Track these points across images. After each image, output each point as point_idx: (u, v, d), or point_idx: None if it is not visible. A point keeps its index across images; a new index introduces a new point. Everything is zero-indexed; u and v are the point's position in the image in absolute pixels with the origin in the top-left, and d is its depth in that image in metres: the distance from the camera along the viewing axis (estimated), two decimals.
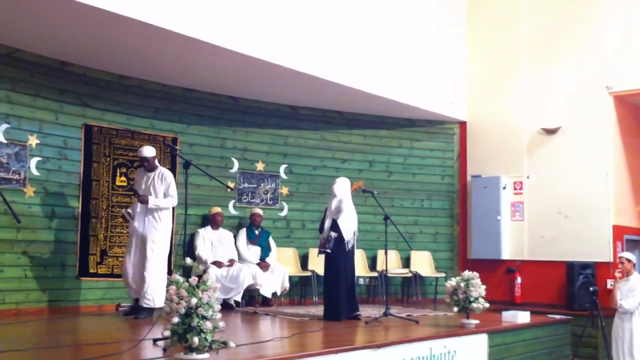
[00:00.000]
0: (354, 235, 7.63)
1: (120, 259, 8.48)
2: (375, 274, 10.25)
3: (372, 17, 9.62)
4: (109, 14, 6.48)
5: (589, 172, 9.88)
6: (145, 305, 7.05)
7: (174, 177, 7.55)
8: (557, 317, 8.80)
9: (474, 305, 6.94)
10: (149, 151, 7.35)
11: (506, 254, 10.56)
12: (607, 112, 9.89)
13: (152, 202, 7.18)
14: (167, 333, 4.20)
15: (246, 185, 9.89)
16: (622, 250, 9.52)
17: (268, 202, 10.06)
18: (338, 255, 7.49)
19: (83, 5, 6.26)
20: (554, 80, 10.34)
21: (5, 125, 7.54)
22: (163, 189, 7.29)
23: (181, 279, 4.29)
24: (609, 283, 9.18)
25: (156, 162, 7.42)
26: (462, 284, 6.98)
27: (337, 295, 7.49)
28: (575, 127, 10.09)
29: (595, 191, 9.79)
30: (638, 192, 10.50)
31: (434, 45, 10.75)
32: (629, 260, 7.86)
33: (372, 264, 10.46)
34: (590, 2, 10.10)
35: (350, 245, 7.55)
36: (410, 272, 10.54)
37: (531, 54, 10.64)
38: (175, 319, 4.13)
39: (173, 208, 7.60)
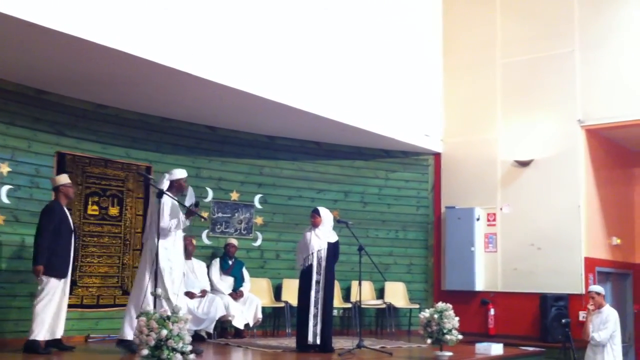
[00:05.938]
0: (306, 262, 7.62)
1: (91, 289, 8.39)
2: (349, 305, 10.19)
3: (349, 49, 9.71)
4: (86, 42, 6.46)
5: (561, 204, 10.00)
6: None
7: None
8: (531, 349, 8.81)
9: (448, 337, 6.96)
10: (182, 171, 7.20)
11: (480, 285, 10.59)
12: (579, 145, 10.07)
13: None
14: None
15: (220, 214, 9.83)
16: (594, 283, 9.61)
17: (242, 232, 10.01)
18: (302, 283, 7.62)
19: (61, 34, 6.24)
20: (528, 114, 10.50)
21: None
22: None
23: (152, 310, 4.25)
24: (582, 315, 9.24)
25: None
26: (435, 316, 6.99)
27: (298, 323, 7.60)
28: (547, 159, 10.23)
29: (567, 223, 9.91)
30: (610, 224, 10.65)
31: (410, 78, 10.86)
32: (598, 294, 7.91)
33: (346, 295, 10.41)
34: (562, 38, 10.30)
35: (309, 272, 7.58)
36: (385, 303, 10.51)
37: (505, 87, 10.81)
38: (145, 352, 4.08)
39: None
